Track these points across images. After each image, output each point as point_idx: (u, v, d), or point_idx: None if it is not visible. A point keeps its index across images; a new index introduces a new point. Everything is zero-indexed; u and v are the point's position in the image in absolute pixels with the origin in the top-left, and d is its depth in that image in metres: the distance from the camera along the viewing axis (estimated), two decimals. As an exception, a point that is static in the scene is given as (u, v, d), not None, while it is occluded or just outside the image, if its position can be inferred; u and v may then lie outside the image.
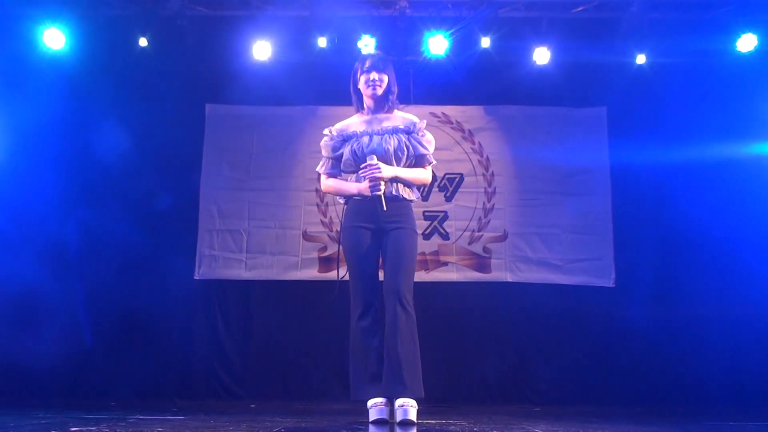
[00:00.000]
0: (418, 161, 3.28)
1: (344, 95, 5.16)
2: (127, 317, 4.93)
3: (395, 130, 3.23)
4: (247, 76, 5.14)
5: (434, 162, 3.35)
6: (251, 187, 5.27)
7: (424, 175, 3.30)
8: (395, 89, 3.30)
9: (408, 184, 3.24)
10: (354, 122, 3.32)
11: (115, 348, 4.90)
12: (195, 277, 5.13)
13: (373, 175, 3.12)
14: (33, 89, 4.92)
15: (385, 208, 3.14)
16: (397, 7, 4.99)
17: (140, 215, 5.07)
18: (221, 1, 5.07)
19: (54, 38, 4.92)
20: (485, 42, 5.06)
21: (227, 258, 5.19)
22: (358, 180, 3.22)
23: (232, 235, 5.22)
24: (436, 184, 5.20)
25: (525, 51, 5.12)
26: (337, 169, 3.32)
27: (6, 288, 4.73)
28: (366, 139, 3.22)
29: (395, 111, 3.32)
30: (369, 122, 3.28)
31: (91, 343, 4.90)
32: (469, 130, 5.33)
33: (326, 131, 3.35)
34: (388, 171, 3.15)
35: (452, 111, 5.36)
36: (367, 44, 4.99)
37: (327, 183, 3.35)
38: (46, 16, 4.89)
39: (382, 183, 3.13)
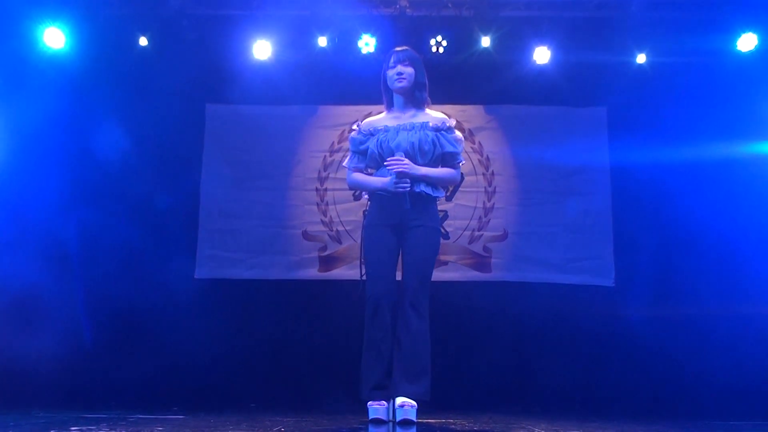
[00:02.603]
0: (447, 159, 3.25)
1: (344, 95, 5.26)
2: (127, 317, 4.93)
3: (423, 126, 3.20)
4: (247, 76, 5.13)
5: (463, 161, 3.33)
6: (251, 187, 5.26)
7: (452, 176, 3.28)
8: (425, 83, 3.28)
9: (434, 184, 3.22)
10: (383, 119, 3.32)
11: (115, 347, 4.89)
12: (195, 277, 5.13)
13: (399, 170, 3.08)
14: (33, 89, 4.91)
15: (408, 206, 3.10)
16: (398, 6, 4.99)
17: (140, 215, 5.06)
18: (221, 0, 5.07)
19: (54, 38, 4.92)
20: (485, 41, 5.05)
21: (227, 258, 5.19)
22: (382, 175, 3.20)
23: (232, 235, 5.22)
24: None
25: (525, 50, 5.12)
26: (363, 163, 3.30)
27: (6, 287, 4.72)
28: (392, 132, 3.20)
29: (426, 109, 3.30)
30: (397, 118, 3.27)
31: (91, 342, 4.89)
32: (469, 130, 5.33)
33: (354, 126, 3.34)
34: (416, 170, 3.12)
35: (452, 110, 5.32)
36: (367, 44, 5.01)
37: (352, 177, 3.33)
38: (46, 16, 4.89)
39: (408, 180, 3.10)
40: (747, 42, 4.96)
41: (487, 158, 5.30)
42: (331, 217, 5.21)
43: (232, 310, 5.11)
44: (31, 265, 4.72)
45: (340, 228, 5.18)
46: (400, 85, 3.23)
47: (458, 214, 5.23)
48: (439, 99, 5.22)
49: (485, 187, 5.27)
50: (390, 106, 3.33)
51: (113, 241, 5.00)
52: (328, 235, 5.20)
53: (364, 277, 3.24)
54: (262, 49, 5.05)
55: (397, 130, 3.20)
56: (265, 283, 5.14)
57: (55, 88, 4.98)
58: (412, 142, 3.15)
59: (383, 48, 5.00)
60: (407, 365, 3.05)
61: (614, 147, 5.24)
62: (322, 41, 5.05)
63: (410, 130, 3.19)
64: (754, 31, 4.94)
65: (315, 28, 5.03)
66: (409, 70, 3.23)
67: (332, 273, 5.13)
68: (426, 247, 3.20)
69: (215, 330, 5.00)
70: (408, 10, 5.01)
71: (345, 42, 5.06)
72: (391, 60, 3.27)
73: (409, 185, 3.09)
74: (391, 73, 3.25)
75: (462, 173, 5.19)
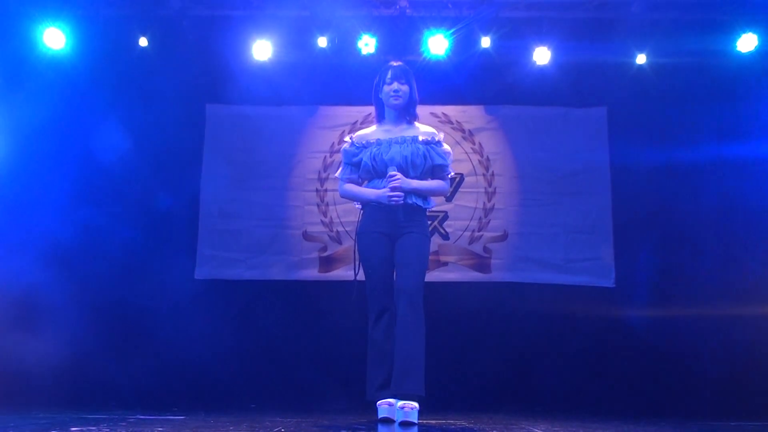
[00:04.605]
0: (436, 171, 3.35)
1: (344, 95, 5.26)
2: (128, 317, 4.94)
3: (414, 140, 3.30)
4: (247, 76, 5.14)
5: (452, 173, 3.43)
6: (251, 187, 5.26)
7: (442, 187, 3.39)
8: (417, 99, 3.37)
9: (425, 196, 3.33)
10: (374, 132, 3.40)
11: (115, 348, 4.90)
12: (195, 278, 5.14)
13: (394, 186, 3.19)
14: (33, 89, 4.91)
15: (401, 218, 3.22)
16: (398, 6, 4.99)
17: (140, 215, 5.07)
18: (221, 0, 5.07)
19: (54, 38, 4.92)
20: (486, 42, 5.05)
21: (227, 258, 5.19)
22: (375, 187, 3.30)
23: (232, 235, 5.22)
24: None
25: (525, 51, 5.12)
26: (355, 174, 3.40)
27: (6, 288, 4.73)
28: (385, 146, 3.29)
29: (416, 123, 3.39)
30: (389, 131, 3.36)
31: (91, 342, 4.89)
32: (470, 130, 5.33)
33: (347, 138, 3.45)
34: (408, 184, 3.23)
35: (452, 111, 5.36)
36: (367, 44, 5.00)
37: (345, 188, 3.43)
38: (46, 16, 4.89)
39: (402, 194, 3.21)
40: (747, 42, 4.96)
41: (488, 159, 5.30)
42: (331, 217, 5.21)
43: (232, 310, 5.11)
44: (31, 265, 4.72)
45: (341, 228, 5.18)
46: (396, 102, 3.33)
47: (458, 214, 5.23)
48: (440, 99, 5.27)
49: (485, 188, 5.27)
50: (381, 119, 3.43)
51: (113, 241, 5.01)
52: (328, 235, 5.20)
53: (359, 278, 3.33)
54: (262, 50, 5.05)
55: (390, 143, 3.30)
56: (265, 284, 5.15)
57: (55, 88, 4.98)
58: (405, 156, 3.26)
59: (383, 48, 5.01)
60: (406, 363, 3.08)
61: (614, 147, 5.25)
62: (322, 41, 5.05)
63: (402, 144, 3.30)
64: (754, 32, 4.93)
65: (315, 29, 5.03)
66: (405, 88, 3.33)
67: (332, 273, 5.13)
68: (419, 249, 3.28)
69: (215, 330, 5.00)
70: (408, 10, 5.00)
71: (345, 42, 5.06)
72: (388, 75, 3.33)
73: (402, 199, 3.21)
74: (387, 89, 3.33)
75: (462, 174, 5.29)
